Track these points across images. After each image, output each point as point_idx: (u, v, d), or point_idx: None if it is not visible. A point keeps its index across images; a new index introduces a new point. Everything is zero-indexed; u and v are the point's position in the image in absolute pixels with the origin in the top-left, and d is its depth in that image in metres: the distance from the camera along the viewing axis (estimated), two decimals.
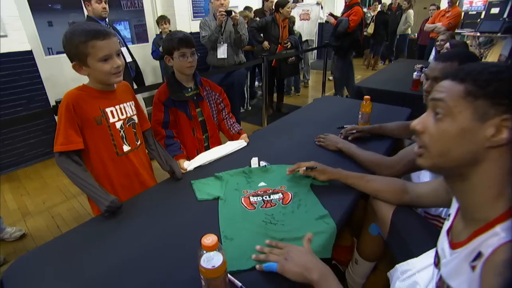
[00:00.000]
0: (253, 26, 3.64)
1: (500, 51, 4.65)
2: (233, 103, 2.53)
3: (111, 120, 1.08)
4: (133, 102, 1.18)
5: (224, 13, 2.58)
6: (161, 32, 3.67)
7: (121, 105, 1.11)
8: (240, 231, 0.89)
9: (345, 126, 1.66)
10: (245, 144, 1.46)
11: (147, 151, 1.28)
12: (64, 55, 0.99)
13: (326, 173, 1.08)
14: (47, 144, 3.01)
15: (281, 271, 0.73)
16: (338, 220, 0.92)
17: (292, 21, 4.35)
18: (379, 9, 6.45)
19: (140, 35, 4.22)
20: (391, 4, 6.85)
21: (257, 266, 0.76)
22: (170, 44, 1.32)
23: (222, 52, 2.79)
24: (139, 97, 2.71)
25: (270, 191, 1.07)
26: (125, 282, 0.75)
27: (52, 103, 2.82)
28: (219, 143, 1.52)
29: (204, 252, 0.65)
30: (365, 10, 7.55)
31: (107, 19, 2.48)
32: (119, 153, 1.12)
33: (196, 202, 1.04)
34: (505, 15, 6.24)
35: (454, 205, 0.70)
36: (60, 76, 3.26)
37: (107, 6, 2.40)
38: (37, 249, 0.87)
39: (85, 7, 2.42)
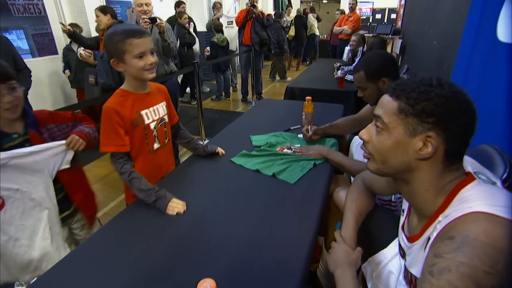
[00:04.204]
0: None
1: (393, 49, 5.55)
2: None
3: (146, 121, 1.14)
4: (164, 102, 1.25)
5: (148, 20, 2.42)
6: (71, 42, 3.23)
7: (155, 107, 1.18)
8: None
9: (291, 128, 1.75)
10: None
11: (181, 142, 1.40)
12: None
13: None
14: None
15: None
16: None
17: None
18: (295, 13, 6.97)
19: (45, 46, 3.63)
20: (305, 9, 7.49)
21: None
22: None
23: None
24: None
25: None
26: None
27: None
28: None
29: None
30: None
31: None
32: (150, 151, 1.20)
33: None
34: (385, 20, 7.63)
35: (405, 202, 0.80)
36: None
37: None
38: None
39: None
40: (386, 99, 0.64)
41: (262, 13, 4.52)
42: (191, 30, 4.56)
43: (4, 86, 0.99)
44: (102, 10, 2.90)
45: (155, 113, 1.19)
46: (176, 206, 1.01)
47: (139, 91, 1.14)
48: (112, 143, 1.06)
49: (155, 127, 1.19)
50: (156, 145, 1.22)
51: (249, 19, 4.39)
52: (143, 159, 1.18)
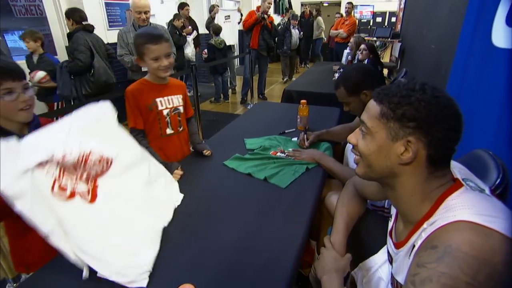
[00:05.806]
0: None
1: (392, 53, 5.56)
2: None
3: (159, 107, 1.33)
4: (181, 95, 1.41)
5: None
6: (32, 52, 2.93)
7: (170, 97, 1.36)
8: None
9: (286, 131, 1.74)
10: None
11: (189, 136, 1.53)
12: None
13: None
14: None
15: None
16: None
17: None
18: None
19: (45, 48, 3.61)
20: (303, 12, 7.50)
21: None
22: None
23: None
24: None
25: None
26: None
27: None
28: None
29: None
30: (279, 17, 8.12)
31: None
32: (163, 135, 1.38)
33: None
34: (385, 23, 7.65)
35: (393, 208, 0.80)
36: None
37: None
38: None
39: None
40: (371, 103, 0.64)
41: (271, 23, 4.49)
42: (191, 38, 4.57)
43: (20, 85, 0.94)
44: (66, 14, 2.68)
45: (169, 102, 1.36)
46: (176, 175, 1.23)
47: (157, 83, 1.33)
48: (131, 119, 1.29)
49: (168, 114, 1.37)
50: (169, 131, 1.39)
51: (258, 23, 4.37)
52: (155, 140, 1.37)
